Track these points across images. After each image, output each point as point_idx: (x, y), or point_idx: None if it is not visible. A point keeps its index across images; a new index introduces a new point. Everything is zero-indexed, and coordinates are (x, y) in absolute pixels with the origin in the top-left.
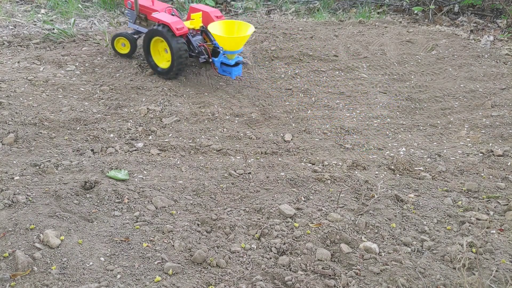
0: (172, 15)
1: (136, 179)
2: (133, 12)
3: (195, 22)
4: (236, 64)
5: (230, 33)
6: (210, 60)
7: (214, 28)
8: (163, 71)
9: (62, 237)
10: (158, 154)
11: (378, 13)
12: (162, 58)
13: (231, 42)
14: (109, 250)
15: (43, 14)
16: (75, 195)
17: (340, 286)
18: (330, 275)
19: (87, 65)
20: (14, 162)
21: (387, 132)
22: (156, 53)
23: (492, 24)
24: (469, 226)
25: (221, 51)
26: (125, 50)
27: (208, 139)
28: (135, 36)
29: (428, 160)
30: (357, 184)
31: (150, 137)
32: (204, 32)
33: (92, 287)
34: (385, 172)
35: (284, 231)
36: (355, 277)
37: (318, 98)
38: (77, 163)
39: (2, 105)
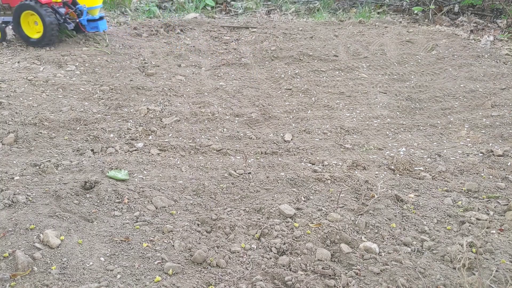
0: None
1: (136, 179)
2: None
3: None
4: (101, 18)
5: None
6: (77, 20)
7: None
8: (36, 41)
9: (62, 237)
10: (158, 154)
11: (378, 13)
12: (33, 30)
13: None
14: (109, 250)
15: None
16: (75, 195)
17: (340, 286)
18: (330, 275)
19: (87, 65)
20: (14, 162)
21: (387, 132)
22: (26, 26)
23: (492, 24)
24: (469, 226)
25: (84, 9)
26: None
27: (208, 139)
28: (3, 25)
29: (428, 160)
30: (357, 184)
31: (150, 137)
32: (66, 5)
33: (92, 287)
34: (385, 172)
35: (284, 231)
36: (355, 277)
37: (318, 98)
38: (77, 163)
39: (2, 105)
